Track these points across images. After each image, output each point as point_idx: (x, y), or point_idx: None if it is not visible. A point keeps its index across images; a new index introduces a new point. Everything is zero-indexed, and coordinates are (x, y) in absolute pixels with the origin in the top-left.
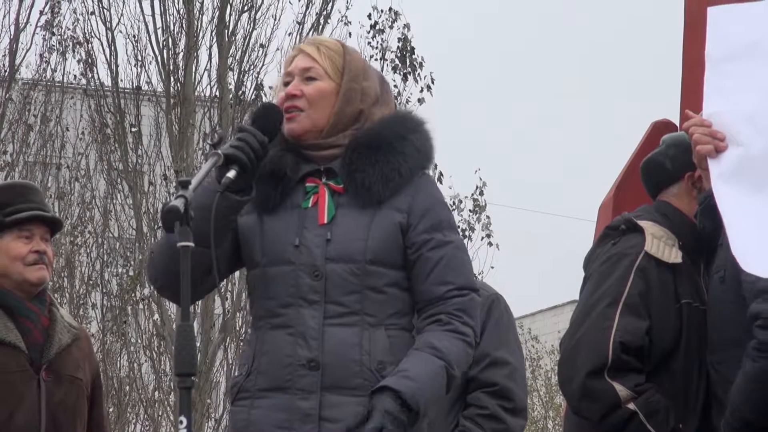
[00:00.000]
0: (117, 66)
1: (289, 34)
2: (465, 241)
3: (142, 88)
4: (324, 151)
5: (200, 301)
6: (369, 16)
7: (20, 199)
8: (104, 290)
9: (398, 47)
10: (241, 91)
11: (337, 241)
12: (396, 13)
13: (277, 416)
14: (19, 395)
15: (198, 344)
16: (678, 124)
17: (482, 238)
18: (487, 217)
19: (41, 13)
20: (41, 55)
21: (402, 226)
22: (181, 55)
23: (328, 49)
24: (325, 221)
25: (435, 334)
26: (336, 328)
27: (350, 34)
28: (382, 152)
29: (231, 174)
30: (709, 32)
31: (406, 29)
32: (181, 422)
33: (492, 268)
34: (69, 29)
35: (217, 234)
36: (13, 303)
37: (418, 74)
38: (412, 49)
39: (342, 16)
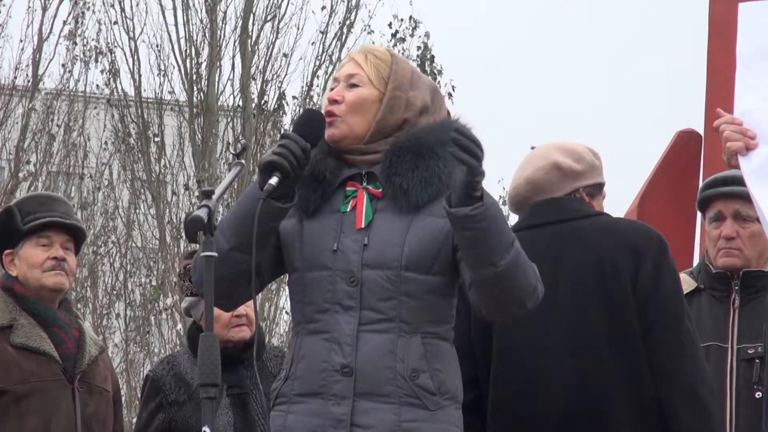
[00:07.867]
0: (140, 76)
1: (312, 44)
2: None
3: (165, 97)
4: (365, 156)
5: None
6: (390, 24)
7: (42, 208)
8: (127, 300)
9: (418, 55)
10: (264, 101)
11: (374, 247)
12: (416, 22)
13: (311, 421)
14: (54, 405)
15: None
16: (702, 133)
17: None
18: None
19: (64, 23)
20: (64, 65)
21: (450, 230)
22: (204, 65)
23: (376, 57)
24: (363, 226)
25: None
26: (370, 335)
27: (373, 42)
28: (422, 157)
29: (273, 181)
30: (740, 29)
31: (426, 37)
32: None
33: None
34: (92, 39)
35: (259, 241)
36: (44, 312)
37: (438, 82)
38: (432, 57)
39: (365, 26)
